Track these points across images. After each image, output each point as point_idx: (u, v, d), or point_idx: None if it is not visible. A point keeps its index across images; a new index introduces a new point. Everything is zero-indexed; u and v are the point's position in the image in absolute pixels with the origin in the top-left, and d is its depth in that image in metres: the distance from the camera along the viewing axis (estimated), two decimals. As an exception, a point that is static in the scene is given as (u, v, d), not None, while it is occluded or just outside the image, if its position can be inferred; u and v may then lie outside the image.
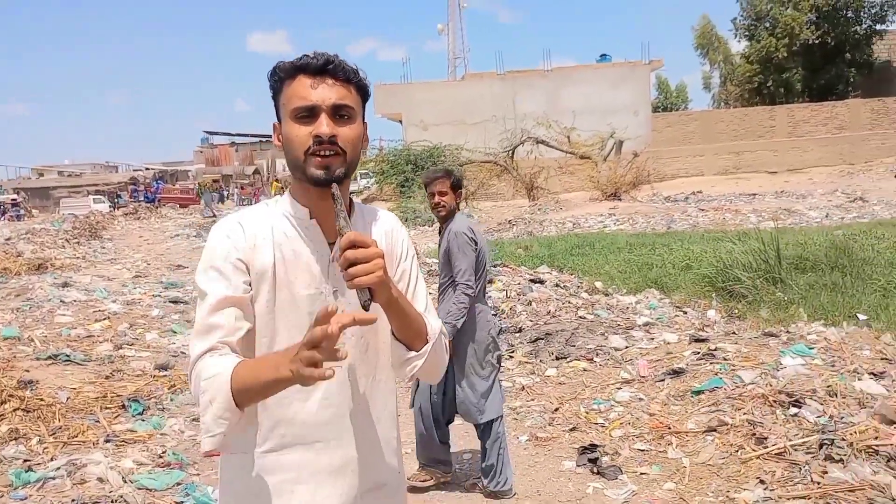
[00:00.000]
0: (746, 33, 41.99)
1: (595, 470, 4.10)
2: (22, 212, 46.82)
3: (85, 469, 4.01)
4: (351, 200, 1.58)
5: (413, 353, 1.52)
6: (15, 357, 6.16)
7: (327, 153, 1.42)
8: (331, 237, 1.49)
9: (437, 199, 3.88)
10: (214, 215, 29.63)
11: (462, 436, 4.58)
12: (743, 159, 34.53)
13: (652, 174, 27.35)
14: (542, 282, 8.88)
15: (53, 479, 3.93)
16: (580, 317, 7.36)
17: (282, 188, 37.49)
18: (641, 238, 13.27)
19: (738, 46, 44.48)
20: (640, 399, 5.00)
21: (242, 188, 47.86)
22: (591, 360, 5.98)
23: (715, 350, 5.53)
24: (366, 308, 1.31)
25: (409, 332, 1.50)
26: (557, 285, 8.84)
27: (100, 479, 3.90)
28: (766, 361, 5.09)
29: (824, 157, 33.54)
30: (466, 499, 4.00)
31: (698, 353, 5.56)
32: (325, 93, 1.43)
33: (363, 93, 1.51)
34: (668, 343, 6.11)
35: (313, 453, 1.49)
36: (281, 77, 1.48)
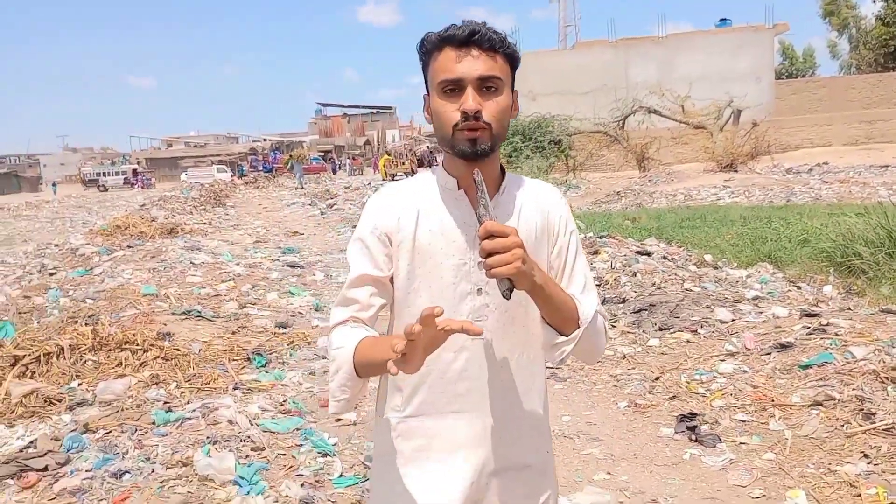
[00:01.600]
0: (884, -8, 38.92)
1: (693, 437, 4.14)
2: (152, 180, 50.26)
3: (217, 412, 4.44)
4: (504, 173, 1.57)
5: (562, 338, 1.48)
6: (154, 311, 6.81)
7: (474, 128, 1.41)
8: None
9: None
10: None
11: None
12: (876, 129, 32.28)
13: (773, 144, 26.09)
14: (648, 254, 8.79)
15: (190, 419, 4.36)
16: (686, 289, 7.28)
17: (392, 161, 38.35)
18: (757, 211, 12.79)
19: (872, 7, 41.36)
20: (744, 371, 4.95)
21: (354, 159, 49.24)
22: (696, 331, 5.94)
23: (827, 325, 5.38)
24: (506, 297, 1.30)
25: (557, 318, 1.46)
26: (665, 258, 8.73)
27: (230, 421, 4.31)
28: (881, 338, 4.92)
29: (969, 125, 30.86)
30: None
31: (808, 327, 5.42)
32: (471, 65, 1.40)
33: (512, 61, 1.47)
34: (777, 317, 5.97)
35: (449, 422, 1.50)
36: (428, 49, 1.46)
